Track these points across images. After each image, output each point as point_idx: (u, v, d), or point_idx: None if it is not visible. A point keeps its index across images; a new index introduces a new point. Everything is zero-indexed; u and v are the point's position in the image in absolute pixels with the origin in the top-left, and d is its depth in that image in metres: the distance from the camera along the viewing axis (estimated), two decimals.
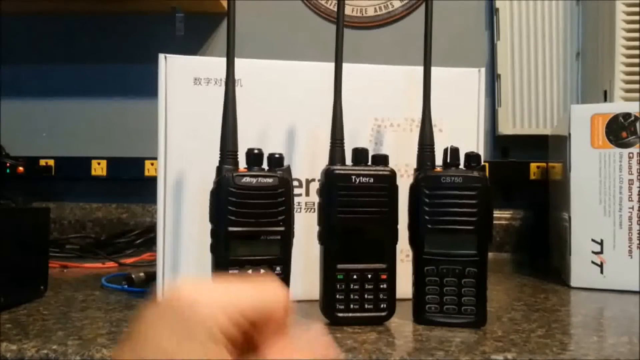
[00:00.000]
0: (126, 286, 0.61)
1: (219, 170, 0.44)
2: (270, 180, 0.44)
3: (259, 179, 0.43)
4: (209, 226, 0.44)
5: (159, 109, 0.53)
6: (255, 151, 0.44)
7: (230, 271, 0.43)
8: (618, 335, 0.44)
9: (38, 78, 1.13)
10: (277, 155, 0.45)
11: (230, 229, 0.43)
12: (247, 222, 0.43)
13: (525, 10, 1.01)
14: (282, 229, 0.44)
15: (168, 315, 0.22)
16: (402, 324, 0.46)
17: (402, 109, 0.56)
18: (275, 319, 0.23)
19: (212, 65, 0.54)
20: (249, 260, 0.43)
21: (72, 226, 1.06)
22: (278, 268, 0.44)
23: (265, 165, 0.45)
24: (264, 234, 0.44)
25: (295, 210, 0.47)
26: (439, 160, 0.48)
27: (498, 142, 1.05)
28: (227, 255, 0.43)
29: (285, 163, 0.45)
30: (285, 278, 0.45)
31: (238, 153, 0.45)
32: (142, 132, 0.98)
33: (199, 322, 0.22)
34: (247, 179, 0.43)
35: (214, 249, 0.43)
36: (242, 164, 0.45)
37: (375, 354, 0.38)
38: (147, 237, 0.92)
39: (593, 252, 0.64)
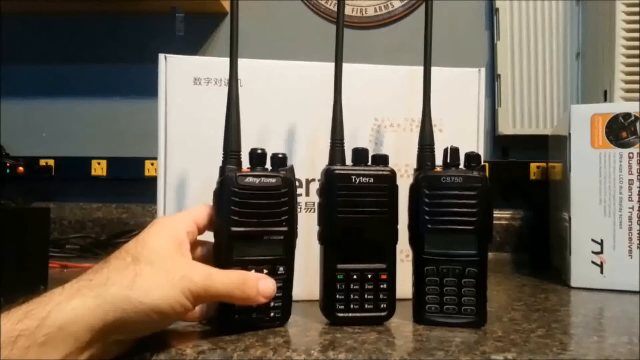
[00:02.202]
0: None
1: (222, 170, 0.44)
2: (273, 180, 0.44)
3: (262, 179, 0.43)
4: None
5: (159, 109, 0.53)
6: (259, 151, 0.44)
7: None
8: (618, 335, 0.44)
9: (38, 78, 1.13)
10: (280, 155, 0.45)
11: (233, 229, 0.42)
12: (250, 222, 0.43)
13: (525, 10, 1.01)
14: (285, 229, 0.44)
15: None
16: (402, 324, 0.46)
17: (402, 109, 0.56)
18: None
19: (212, 65, 0.54)
20: (252, 261, 0.43)
21: (72, 226, 1.06)
22: (281, 268, 0.44)
23: (268, 165, 0.45)
24: (267, 234, 0.44)
25: None
26: (439, 160, 0.48)
27: (498, 142, 1.05)
28: (230, 256, 0.43)
29: (288, 163, 0.45)
30: (288, 278, 0.45)
31: (241, 153, 0.45)
32: (142, 132, 0.99)
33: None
34: (250, 179, 0.43)
35: (216, 249, 0.43)
36: (245, 164, 0.45)
37: (375, 354, 0.38)
38: None
39: (593, 252, 0.64)
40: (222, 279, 0.40)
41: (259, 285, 0.41)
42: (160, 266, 0.38)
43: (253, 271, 0.43)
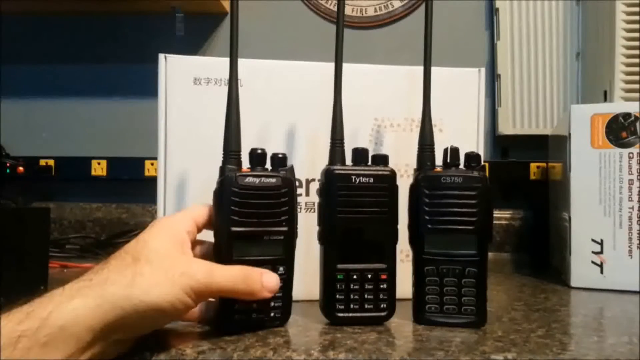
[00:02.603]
0: None
1: (222, 170, 0.44)
2: (273, 180, 0.44)
3: (262, 179, 0.43)
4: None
5: (159, 109, 0.53)
6: (259, 151, 0.44)
7: None
8: (618, 335, 0.44)
9: (38, 78, 1.13)
10: (280, 155, 0.45)
11: (233, 229, 0.42)
12: (250, 222, 0.43)
13: (525, 10, 1.01)
14: (285, 229, 0.44)
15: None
16: (402, 324, 0.46)
17: (402, 109, 0.56)
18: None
19: (212, 65, 0.54)
20: (252, 261, 0.43)
21: (72, 226, 1.06)
22: (281, 268, 0.44)
23: (268, 165, 0.45)
24: (267, 234, 0.44)
25: None
26: (439, 160, 0.48)
27: (498, 142, 1.05)
28: (230, 256, 0.42)
29: (288, 163, 0.45)
30: (288, 278, 0.45)
31: (241, 153, 0.45)
32: (142, 132, 0.98)
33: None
34: (250, 179, 0.43)
35: (216, 249, 0.43)
36: (245, 164, 0.45)
37: (375, 354, 0.38)
38: None
39: (593, 252, 0.64)
40: (224, 274, 0.40)
41: (262, 279, 0.41)
42: (159, 265, 0.38)
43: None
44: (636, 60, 0.82)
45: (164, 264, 0.38)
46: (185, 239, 0.41)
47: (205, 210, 0.44)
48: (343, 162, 0.47)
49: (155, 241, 0.40)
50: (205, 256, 0.44)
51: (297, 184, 0.48)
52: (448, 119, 0.56)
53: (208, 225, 0.44)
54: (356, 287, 0.45)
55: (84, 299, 0.35)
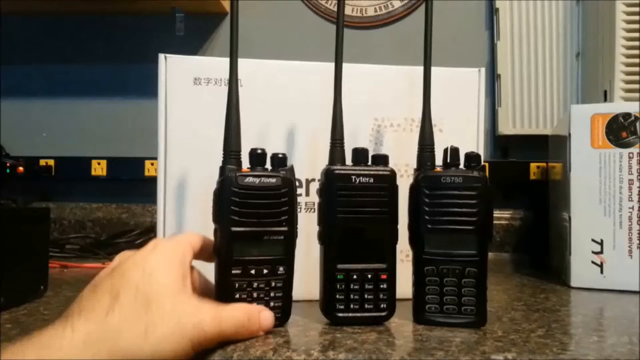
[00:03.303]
0: None
1: (222, 170, 0.44)
2: (273, 180, 0.44)
3: (262, 179, 0.43)
4: (210, 226, 0.44)
5: (159, 109, 0.54)
6: (259, 151, 0.44)
7: (233, 271, 0.43)
8: (618, 335, 0.44)
9: (38, 78, 1.13)
10: (280, 155, 0.45)
11: (233, 229, 0.42)
12: (250, 222, 0.43)
13: (525, 10, 1.01)
14: (285, 229, 0.44)
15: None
16: (402, 324, 0.46)
17: (402, 109, 0.56)
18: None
19: (212, 65, 0.54)
20: (252, 261, 0.43)
21: (72, 226, 1.06)
22: (281, 268, 0.44)
23: (268, 165, 0.45)
24: (267, 234, 0.44)
25: None
26: (439, 160, 0.48)
27: (498, 142, 1.05)
28: (230, 256, 0.43)
29: (288, 163, 0.45)
30: (288, 278, 0.45)
31: (241, 153, 0.45)
32: (142, 132, 0.99)
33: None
34: (250, 179, 0.43)
35: (217, 249, 0.43)
36: (245, 164, 0.45)
37: (375, 354, 0.38)
38: (147, 237, 0.92)
39: (593, 252, 0.64)
40: (229, 319, 0.40)
41: (260, 318, 0.42)
42: (171, 313, 0.37)
43: (252, 271, 0.43)
44: (636, 60, 0.82)
45: (175, 310, 0.38)
46: (188, 272, 0.41)
47: (199, 241, 0.44)
48: (343, 162, 0.47)
49: (162, 276, 0.39)
50: (199, 286, 0.44)
51: (297, 184, 0.48)
52: (448, 119, 0.56)
53: (199, 255, 0.44)
54: (356, 287, 0.45)
55: (94, 352, 0.34)
